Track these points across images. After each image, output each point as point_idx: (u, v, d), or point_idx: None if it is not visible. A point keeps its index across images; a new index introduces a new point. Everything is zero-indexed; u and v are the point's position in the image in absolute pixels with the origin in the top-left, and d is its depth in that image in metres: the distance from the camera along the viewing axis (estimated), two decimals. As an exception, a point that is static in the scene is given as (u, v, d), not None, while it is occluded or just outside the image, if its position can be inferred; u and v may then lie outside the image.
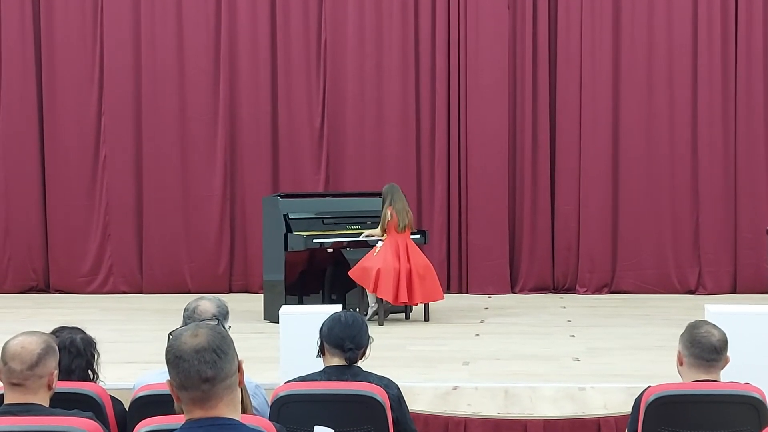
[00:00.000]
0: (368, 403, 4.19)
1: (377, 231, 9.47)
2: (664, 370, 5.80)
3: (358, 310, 9.06)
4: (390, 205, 9.34)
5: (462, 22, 11.64)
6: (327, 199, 10.73)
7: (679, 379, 4.33)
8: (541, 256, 11.68)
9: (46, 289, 12.00)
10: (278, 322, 6.58)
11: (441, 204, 11.73)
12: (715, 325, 4.30)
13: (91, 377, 4.31)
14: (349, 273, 9.46)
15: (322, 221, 9.92)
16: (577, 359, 7.75)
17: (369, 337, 4.47)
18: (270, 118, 11.87)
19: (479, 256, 11.60)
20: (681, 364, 4.29)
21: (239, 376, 2.80)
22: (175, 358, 2.72)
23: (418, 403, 6.23)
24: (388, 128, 11.76)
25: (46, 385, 3.64)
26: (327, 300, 9.88)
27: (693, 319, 4.40)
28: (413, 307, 9.61)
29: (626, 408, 5.38)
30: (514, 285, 11.71)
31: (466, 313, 10.18)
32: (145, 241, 11.87)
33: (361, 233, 9.69)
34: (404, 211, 9.38)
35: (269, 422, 3.24)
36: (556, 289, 11.70)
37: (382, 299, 9.28)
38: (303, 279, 9.89)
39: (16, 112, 11.89)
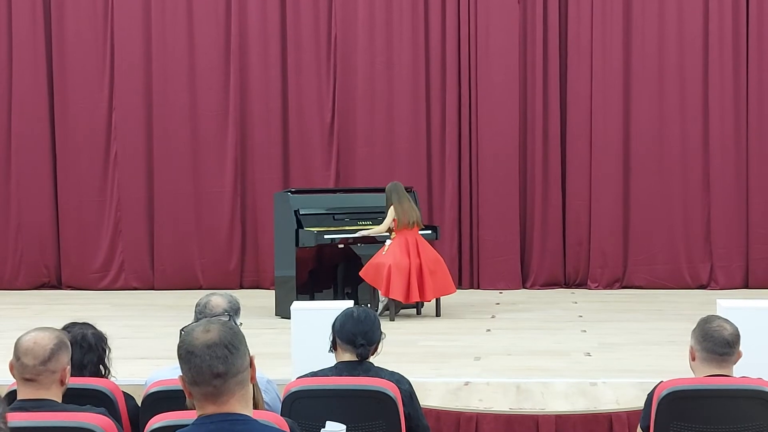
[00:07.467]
0: (380, 398, 4.19)
1: (382, 228, 9.43)
2: (677, 365, 5.78)
3: (369, 305, 9.06)
4: (395, 207, 9.29)
5: (472, 16, 11.61)
6: (338, 194, 10.73)
7: (691, 374, 4.32)
8: (552, 251, 11.65)
9: (58, 285, 12.02)
10: (290, 318, 6.59)
11: (452, 200, 11.71)
12: (727, 320, 4.29)
13: (103, 372, 4.32)
14: (360, 273, 9.42)
15: (333, 217, 9.92)
16: (588, 354, 7.74)
17: (381, 332, 4.47)
18: (280, 114, 11.87)
19: (490, 251, 11.59)
20: (693, 359, 4.28)
21: (251, 371, 2.80)
22: (186, 353, 2.73)
23: (429, 398, 6.23)
24: (398, 124, 11.75)
25: (58, 381, 3.65)
26: (339, 295, 9.87)
27: (705, 314, 4.40)
28: (425, 302, 9.59)
29: (638, 403, 5.38)
30: (525, 280, 11.70)
31: (478, 308, 10.17)
32: (156, 238, 11.89)
33: (371, 229, 9.63)
34: (411, 209, 9.34)
35: (281, 418, 3.24)
36: (567, 285, 11.67)
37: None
38: (314, 274, 9.88)
39: (28, 109, 11.91)
